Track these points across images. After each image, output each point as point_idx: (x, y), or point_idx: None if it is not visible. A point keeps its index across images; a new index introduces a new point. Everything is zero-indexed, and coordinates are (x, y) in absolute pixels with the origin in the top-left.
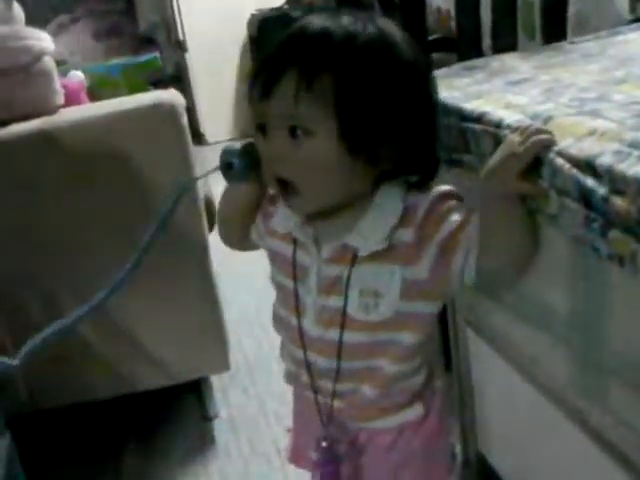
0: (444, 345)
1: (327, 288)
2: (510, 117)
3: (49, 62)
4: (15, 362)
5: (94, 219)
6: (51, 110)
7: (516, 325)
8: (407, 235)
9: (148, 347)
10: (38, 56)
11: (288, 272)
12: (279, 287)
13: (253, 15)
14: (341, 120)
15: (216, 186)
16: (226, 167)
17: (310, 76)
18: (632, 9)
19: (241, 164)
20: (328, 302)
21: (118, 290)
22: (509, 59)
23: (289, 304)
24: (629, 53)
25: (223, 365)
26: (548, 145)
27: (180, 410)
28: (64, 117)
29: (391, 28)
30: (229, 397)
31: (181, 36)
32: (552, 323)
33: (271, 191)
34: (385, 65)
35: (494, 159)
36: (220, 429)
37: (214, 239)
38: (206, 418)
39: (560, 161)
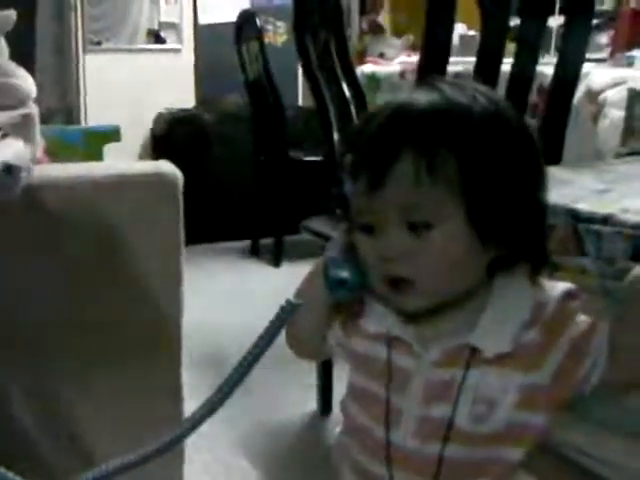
0: None
1: (433, 395)
2: None
3: (34, 108)
4: None
5: (65, 289)
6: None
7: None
8: (533, 335)
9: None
10: (24, 99)
11: (379, 376)
12: (363, 393)
13: (160, 114)
14: (469, 203)
15: None
16: (336, 284)
17: (430, 155)
18: (623, 142)
19: (356, 279)
20: (432, 411)
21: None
22: (559, 172)
23: (375, 412)
24: None
25: None
26: None
27: None
28: (50, 172)
29: (499, 98)
30: None
31: (83, 124)
32: None
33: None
34: (505, 139)
35: None
36: None
37: None
38: None
39: None
